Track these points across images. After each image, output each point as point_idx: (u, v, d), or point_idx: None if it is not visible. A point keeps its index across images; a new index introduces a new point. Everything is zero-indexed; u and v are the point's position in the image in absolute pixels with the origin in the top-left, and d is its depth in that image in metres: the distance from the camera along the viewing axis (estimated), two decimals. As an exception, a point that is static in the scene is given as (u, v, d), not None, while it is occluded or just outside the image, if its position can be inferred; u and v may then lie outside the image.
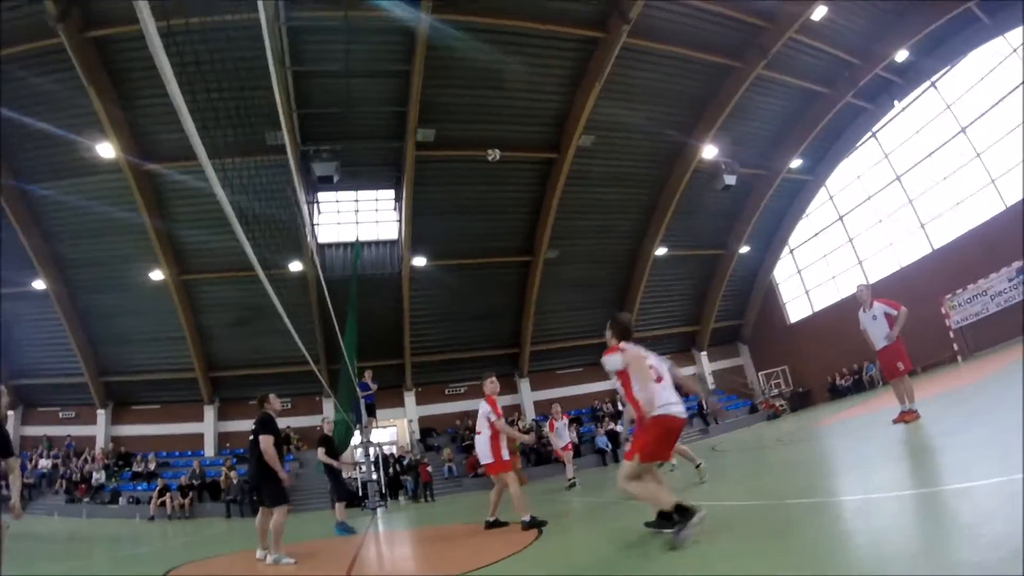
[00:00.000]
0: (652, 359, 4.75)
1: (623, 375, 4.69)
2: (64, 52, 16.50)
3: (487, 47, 19.56)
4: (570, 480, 14.07)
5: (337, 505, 11.24)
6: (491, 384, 7.75)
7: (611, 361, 4.78)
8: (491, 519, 7.60)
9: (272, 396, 7.44)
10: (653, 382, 4.50)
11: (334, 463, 11.37)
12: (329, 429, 12.64)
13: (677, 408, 4.51)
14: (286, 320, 7.22)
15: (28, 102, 18.33)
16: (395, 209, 25.37)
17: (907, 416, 8.66)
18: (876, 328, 9.31)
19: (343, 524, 10.70)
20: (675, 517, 4.12)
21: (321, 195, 24.91)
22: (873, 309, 9.35)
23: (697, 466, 8.28)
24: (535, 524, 6.83)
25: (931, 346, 22.87)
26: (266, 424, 7.04)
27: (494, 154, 7.95)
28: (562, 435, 14.90)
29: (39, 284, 23.18)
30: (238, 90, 7.42)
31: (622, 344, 4.83)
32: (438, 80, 20.28)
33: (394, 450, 26.55)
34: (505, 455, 7.53)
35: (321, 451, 11.50)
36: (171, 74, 3.39)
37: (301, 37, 18.68)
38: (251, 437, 7.03)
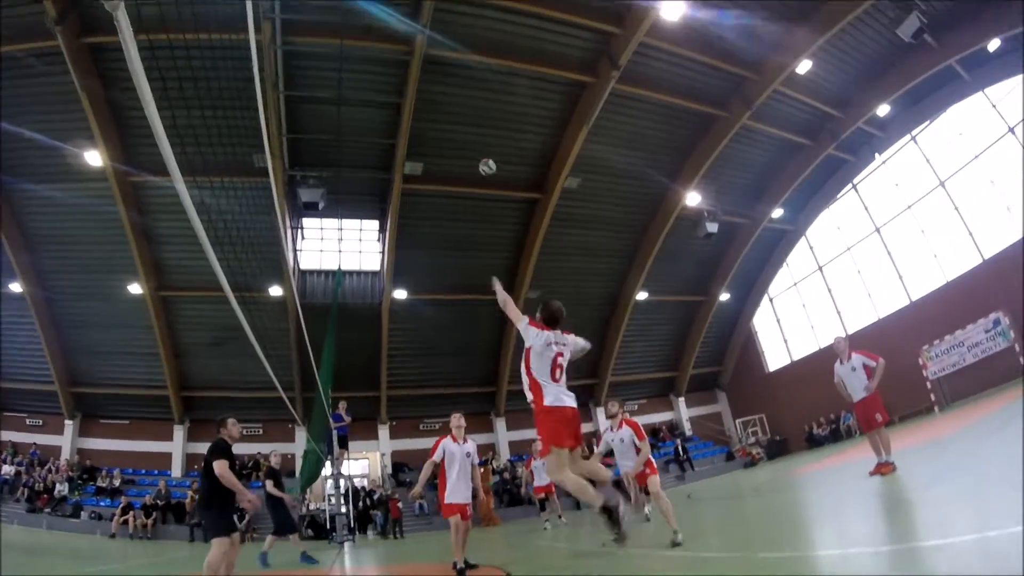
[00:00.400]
0: (564, 355, 5.13)
1: (529, 352, 5.06)
2: (60, 55, 16.39)
3: (478, 85, 19.81)
4: (545, 520, 14.19)
5: (269, 537, 11.26)
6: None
7: (529, 333, 5.10)
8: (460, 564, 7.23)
9: (231, 421, 6.94)
10: (550, 374, 4.96)
11: (283, 495, 11.35)
12: (276, 462, 12.42)
13: (569, 400, 5.00)
14: (255, 344, 7.04)
15: (18, 101, 18.18)
16: (379, 240, 25.29)
17: (884, 468, 8.63)
18: (855, 379, 9.32)
19: (264, 555, 10.64)
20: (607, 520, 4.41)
21: (305, 220, 24.82)
22: (852, 360, 9.39)
23: (674, 531, 7.13)
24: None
25: (908, 396, 23.02)
26: (219, 449, 6.54)
27: (488, 166, 7.80)
28: (540, 475, 14.64)
29: (16, 287, 22.73)
30: (228, 109, 7.39)
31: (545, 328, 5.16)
32: (428, 114, 20.42)
33: (365, 483, 26.04)
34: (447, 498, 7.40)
35: (270, 483, 11.42)
36: (148, 92, 3.33)
37: (295, 61, 18.76)
38: (202, 465, 6.61)
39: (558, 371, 5.00)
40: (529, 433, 28.42)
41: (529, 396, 5.00)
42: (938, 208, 23.92)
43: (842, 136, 25.02)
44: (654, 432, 30.64)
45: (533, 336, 5.05)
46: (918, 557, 3.74)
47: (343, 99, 19.23)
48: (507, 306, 5.31)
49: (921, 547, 3.97)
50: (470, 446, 7.62)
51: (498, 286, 5.48)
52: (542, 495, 15.05)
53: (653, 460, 7.83)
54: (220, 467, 6.36)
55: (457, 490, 7.38)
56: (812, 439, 27.62)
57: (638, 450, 7.71)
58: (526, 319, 5.14)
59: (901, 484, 7.60)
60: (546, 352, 4.99)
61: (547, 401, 4.87)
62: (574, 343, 5.30)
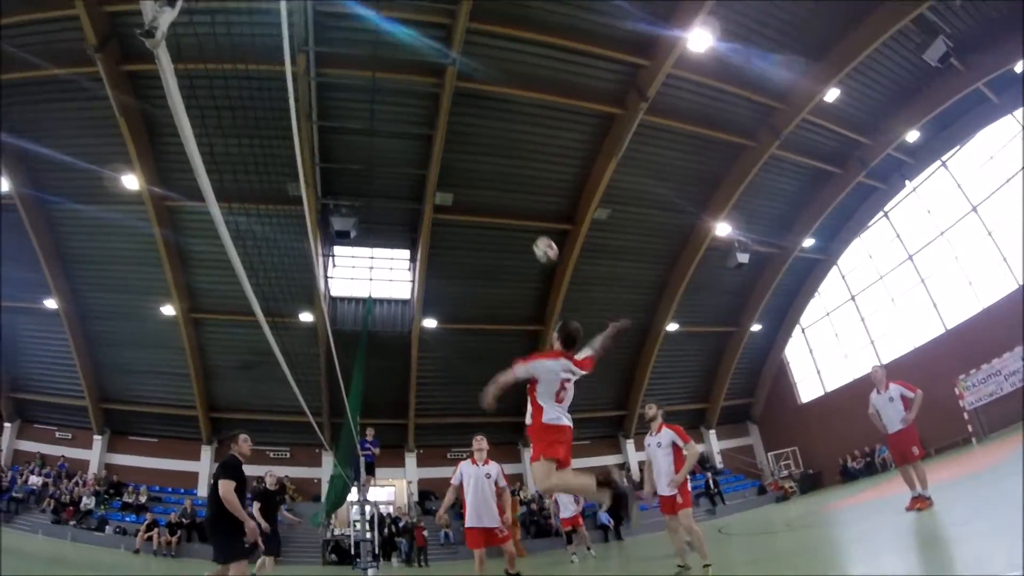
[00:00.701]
0: (571, 380, 5.24)
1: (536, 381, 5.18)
2: (100, 81, 16.95)
3: (508, 116, 20.08)
4: (572, 553, 14.00)
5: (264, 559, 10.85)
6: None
7: (535, 368, 5.16)
8: None
9: (242, 437, 6.68)
10: (554, 397, 5.10)
11: (261, 522, 11.12)
12: (272, 483, 12.26)
13: (567, 420, 5.15)
14: (285, 368, 7.11)
15: (60, 124, 18.98)
16: (409, 269, 25.55)
17: (920, 503, 8.38)
18: (891, 410, 9.09)
19: None
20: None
21: (337, 249, 25.18)
22: (889, 391, 9.15)
23: (705, 565, 6.89)
24: None
25: (945, 427, 22.43)
26: (228, 468, 6.27)
27: (546, 251, 7.07)
28: (566, 506, 14.44)
29: (51, 303, 23.39)
30: (262, 139, 7.60)
31: (563, 352, 5.31)
32: (459, 145, 20.71)
33: (391, 510, 25.96)
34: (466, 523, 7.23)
35: (257, 507, 11.02)
36: (188, 127, 3.45)
37: (329, 93, 19.21)
38: (211, 481, 6.26)
39: (562, 394, 5.14)
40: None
41: (528, 412, 5.20)
42: (971, 234, 23.56)
43: (871, 163, 24.78)
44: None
45: (540, 369, 5.14)
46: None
47: (375, 130, 19.60)
48: (509, 372, 5.19)
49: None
50: (491, 468, 7.28)
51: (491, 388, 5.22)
52: (569, 527, 14.79)
53: (689, 489, 7.29)
54: (224, 489, 6.10)
55: (475, 514, 7.07)
56: (846, 472, 26.97)
57: (680, 455, 7.18)
58: (525, 363, 5.19)
59: (937, 519, 7.40)
60: (554, 381, 5.11)
61: (545, 419, 5.05)
62: (581, 367, 5.39)
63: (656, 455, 7.44)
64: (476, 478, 7.18)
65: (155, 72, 17.31)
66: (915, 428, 8.94)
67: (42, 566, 11.51)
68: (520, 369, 5.09)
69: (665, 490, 7.22)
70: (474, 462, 7.37)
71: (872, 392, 9.42)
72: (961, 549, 5.39)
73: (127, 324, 24.76)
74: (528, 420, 5.23)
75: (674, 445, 7.26)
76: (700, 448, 8.71)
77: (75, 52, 16.60)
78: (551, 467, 4.91)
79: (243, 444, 6.65)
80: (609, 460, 30.11)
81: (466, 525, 7.15)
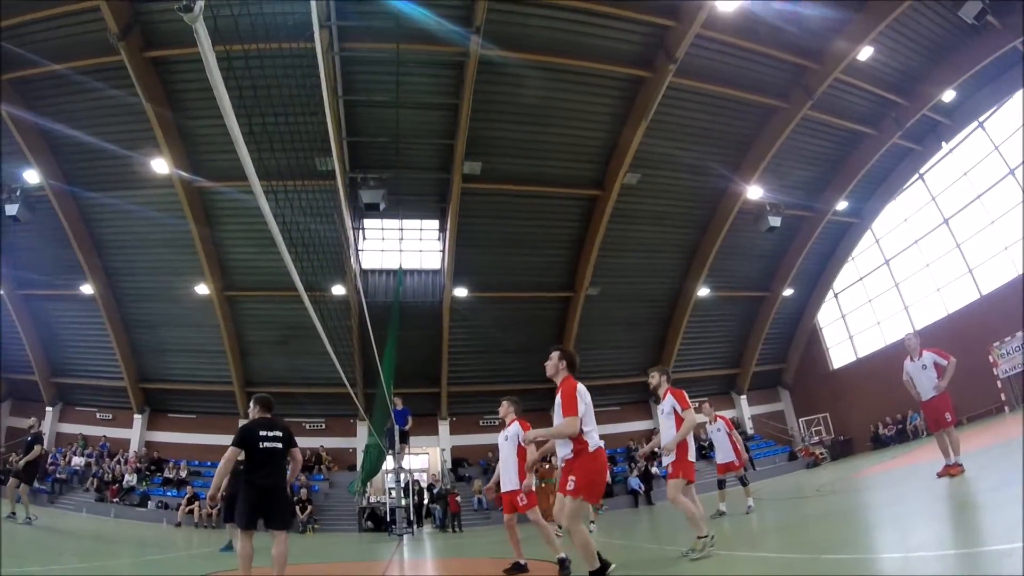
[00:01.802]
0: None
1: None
2: (124, 69, 17.25)
3: (535, 84, 19.89)
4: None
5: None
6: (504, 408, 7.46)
7: (580, 403, 4.96)
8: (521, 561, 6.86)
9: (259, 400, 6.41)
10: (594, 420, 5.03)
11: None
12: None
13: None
14: (327, 343, 7.29)
15: (88, 114, 19.35)
16: (439, 239, 25.70)
17: (952, 470, 8.40)
18: (924, 378, 9.06)
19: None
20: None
21: (366, 222, 25.41)
22: (923, 358, 9.13)
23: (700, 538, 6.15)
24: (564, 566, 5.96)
25: (978, 395, 22.16)
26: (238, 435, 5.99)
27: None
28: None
29: (87, 289, 24.03)
30: (292, 115, 7.68)
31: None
32: (486, 114, 20.66)
33: (425, 478, 26.51)
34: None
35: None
36: (228, 103, 3.53)
37: (353, 67, 19.28)
38: (278, 446, 5.92)
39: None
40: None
41: (570, 445, 4.95)
42: (1008, 197, 22.82)
43: (907, 124, 24.06)
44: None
45: (586, 400, 5.04)
46: (984, 561, 3.68)
47: (401, 102, 19.60)
48: (573, 421, 4.90)
49: (988, 551, 3.90)
50: (510, 429, 7.17)
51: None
52: None
53: (691, 460, 6.68)
54: (228, 453, 5.85)
55: (499, 478, 7.27)
56: (878, 439, 26.83)
57: (681, 422, 6.67)
58: (576, 411, 4.91)
59: (969, 487, 7.40)
60: (590, 404, 5.07)
61: (592, 445, 4.90)
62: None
63: (661, 422, 7.09)
64: (500, 443, 7.32)
65: (178, 57, 17.70)
66: (948, 395, 8.91)
67: (88, 543, 12.01)
68: (581, 407, 4.93)
69: (666, 459, 6.83)
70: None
71: (906, 359, 9.39)
72: (991, 515, 5.41)
73: (162, 305, 25.42)
74: (569, 448, 4.97)
75: (675, 411, 6.80)
76: (700, 418, 8.42)
77: (100, 42, 16.89)
78: (583, 509, 4.84)
79: (251, 411, 6.49)
80: (639, 426, 30.37)
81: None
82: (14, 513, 12.16)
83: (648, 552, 7.98)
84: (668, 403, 6.84)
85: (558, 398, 5.11)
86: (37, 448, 12.45)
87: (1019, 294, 21.76)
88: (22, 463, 12.39)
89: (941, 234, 25.99)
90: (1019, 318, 21.26)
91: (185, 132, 19.94)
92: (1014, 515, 4.88)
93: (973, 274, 24.48)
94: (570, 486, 4.81)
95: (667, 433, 6.81)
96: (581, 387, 5.06)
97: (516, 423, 7.13)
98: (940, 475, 8.50)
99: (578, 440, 4.89)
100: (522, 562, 6.74)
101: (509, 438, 7.10)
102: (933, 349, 9.25)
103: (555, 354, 5.46)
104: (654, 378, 7.16)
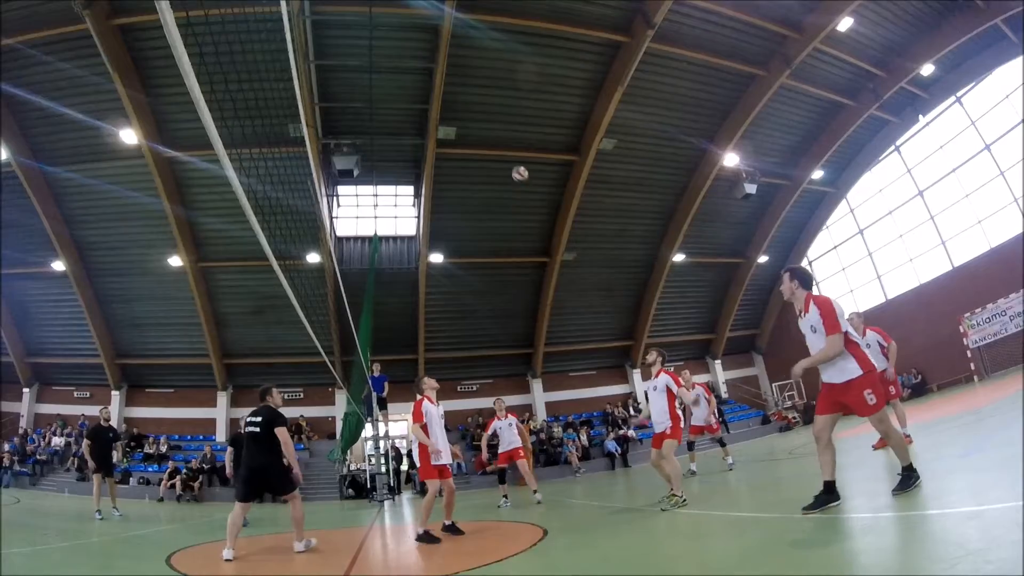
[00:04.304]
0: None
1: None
2: (90, 38, 16.71)
3: (511, 47, 19.58)
4: (504, 496, 11.83)
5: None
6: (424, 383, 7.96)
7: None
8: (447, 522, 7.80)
9: (275, 390, 7.37)
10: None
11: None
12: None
13: None
14: (300, 311, 7.23)
15: (53, 86, 18.68)
16: (414, 205, 25.49)
17: (883, 443, 8.69)
18: (870, 356, 9.29)
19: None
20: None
21: (341, 188, 25.12)
22: (866, 338, 9.33)
23: (675, 495, 7.24)
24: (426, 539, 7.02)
25: (948, 365, 22.80)
26: (283, 418, 7.09)
27: (520, 173, 7.59)
28: (504, 438, 12.11)
29: (58, 265, 23.55)
30: (260, 81, 7.49)
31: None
32: (461, 79, 20.35)
33: (404, 444, 26.62)
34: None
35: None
36: (189, 66, 3.44)
37: (325, 31, 18.82)
38: (256, 430, 6.94)
39: None
40: (564, 395, 29.12)
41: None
42: (983, 172, 23.12)
43: (885, 96, 24.21)
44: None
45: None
46: (950, 523, 3.77)
47: (374, 67, 19.20)
48: (828, 350, 5.93)
49: (953, 513, 3.98)
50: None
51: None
52: (505, 464, 12.33)
53: (681, 427, 7.96)
54: (284, 433, 6.98)
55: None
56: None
57: (672, 397, 7.80)
58: (839, 327, 5.62)
59: (938, 452, 7.57)
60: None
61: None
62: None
63: (652, 398, 7.99)
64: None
65: (145, 24, 17.10)
66: (895, 374, 9.41)
67: (72, 522, 11.99)
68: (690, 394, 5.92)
69: (657, 428, 7.91)
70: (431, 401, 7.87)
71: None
72: (958, 480, 5.54)
73: (136, 279, 24.96)
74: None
75: (668, 389, 7.80)
76: (693, 395, 9.65)
77: (64, 11, 16.27)
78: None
79: (276, 396, 7.34)
80: (616, 390, 30.74)
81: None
82: (99, 511, 12.04)
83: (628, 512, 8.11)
84: (662, 381, 7.84)
85: (809, 318, 5.74)
86: (85, 443, 12.53)
87: (991, 267, 22.19)
88: (88, 460, 12.45)
89: (915, 206, 26.26)
90: (991, 290, 21.72)
91: (154, 101, 19.38)
92: (980, 480, 5.00)
93: (946, 246, 24.83)
94: (871, 400, 5.41)
95: (657, 405, 7.85)
96: (836, 301, 5.42)
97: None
98: (876, 447, 9.01)
99: (863, 361, 5.57)
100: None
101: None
102: (876, 328, 9.58)
103: (785, 276, 5.76)
104: (651, 357, 8.11)
